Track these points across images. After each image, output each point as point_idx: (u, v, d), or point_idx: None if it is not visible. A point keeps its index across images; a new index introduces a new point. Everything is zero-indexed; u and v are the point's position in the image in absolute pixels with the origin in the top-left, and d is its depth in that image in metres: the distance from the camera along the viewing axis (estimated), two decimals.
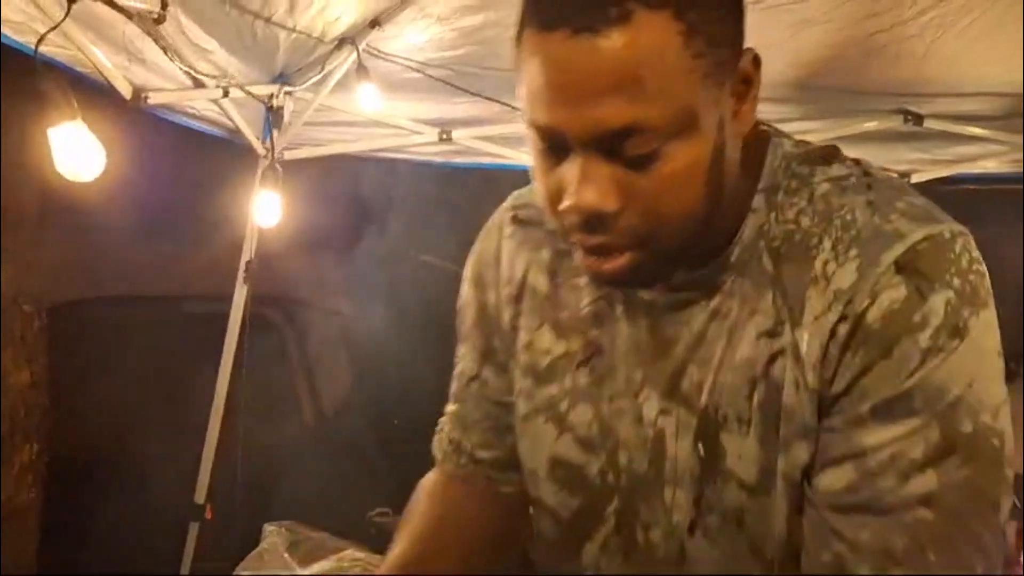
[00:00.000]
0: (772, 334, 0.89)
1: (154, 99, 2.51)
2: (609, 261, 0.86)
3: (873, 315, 0.83)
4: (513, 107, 3.04)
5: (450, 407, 1.18)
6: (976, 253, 0.85)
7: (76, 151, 1.99)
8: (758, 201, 0.89)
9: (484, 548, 1.16)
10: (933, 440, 0.82)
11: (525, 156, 3.29)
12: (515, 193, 1.10)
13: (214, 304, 3.48)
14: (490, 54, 2.52)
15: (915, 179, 3.33)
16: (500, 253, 1.08)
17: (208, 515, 3.19)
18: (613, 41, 0.76)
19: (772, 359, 0.89)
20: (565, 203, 0.83)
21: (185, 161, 3.56)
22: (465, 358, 1.14)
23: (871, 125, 3.03)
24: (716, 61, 0.80)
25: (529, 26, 0.79)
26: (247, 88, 2.63)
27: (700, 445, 0.94)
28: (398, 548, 1.11)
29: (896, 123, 3.01)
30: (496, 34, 2.38)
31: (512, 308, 1.06)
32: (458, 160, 3.66)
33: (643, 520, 1.02)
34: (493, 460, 1.14)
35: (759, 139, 0.90)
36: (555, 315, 1.03)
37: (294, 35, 2.43)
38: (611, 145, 0.79)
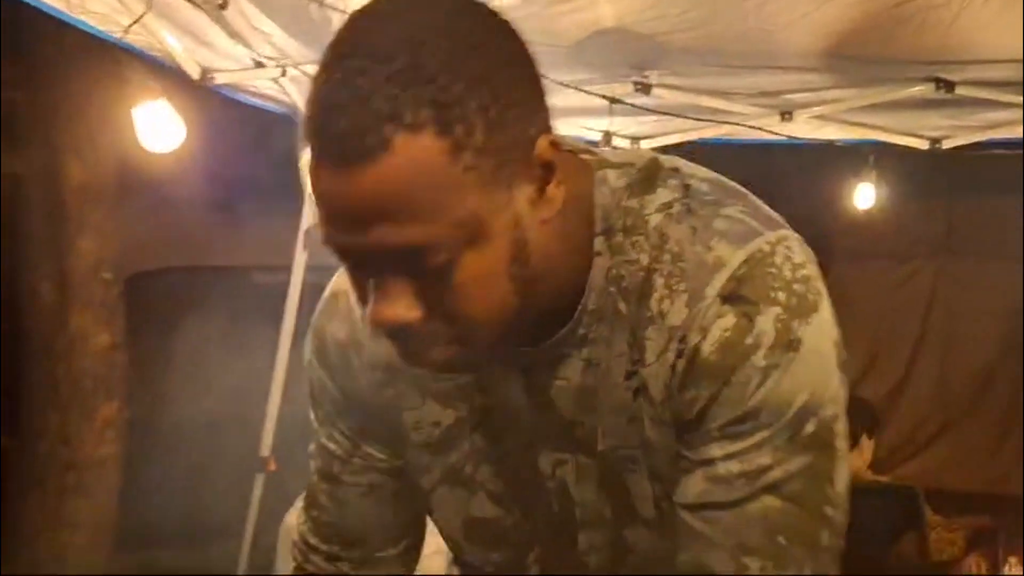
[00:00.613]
0: (630, 375, 0.91)
1: (220, 79, 2.71)
2: (427, 358, 0.86)
3: (707, 348, 0.85)
4: (557, 81, 3.17)
5: (305, 509, 1.15)
6: (798, 255, 0.87)
7: (159, 127, 2.21)
8: (599, 244, 0.89)
9: None
10: (779, 444, 0.86)
11: (570, 129, 3.41)
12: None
13: (282, 274, 3.69)
14: (528, 30, 2.66)
15: (947, 145, 3.39)
16: (357, 337, 1.03)
17: (271, 467, 3.38)
18: (374, 171, 0.75)
19: (635, 398, 0.91)
20: (367, 318, 0.83)
21: (251, 137, 3.77)
22: (333, 441, 1.09)
23: (902, 93, 3.10)
24: (495, 165, 0.78)
25: (307, 140, 0.79)
26: (303, 67, 2.81)
27: (605, 489, 0.97)
28: None
29: (927, 90, 3.06)
30: (533, 12, 2.52)
31: (389, 389, 1.03)
32: None
33: (566, 563, 1.04)
34: (353, 569, 1.13)
35: (583, 175, 0.89)
36: (435, 387, 1.01)
37: (346, 16, 2.61)
38: (399, 263, 0.79)
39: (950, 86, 3.04)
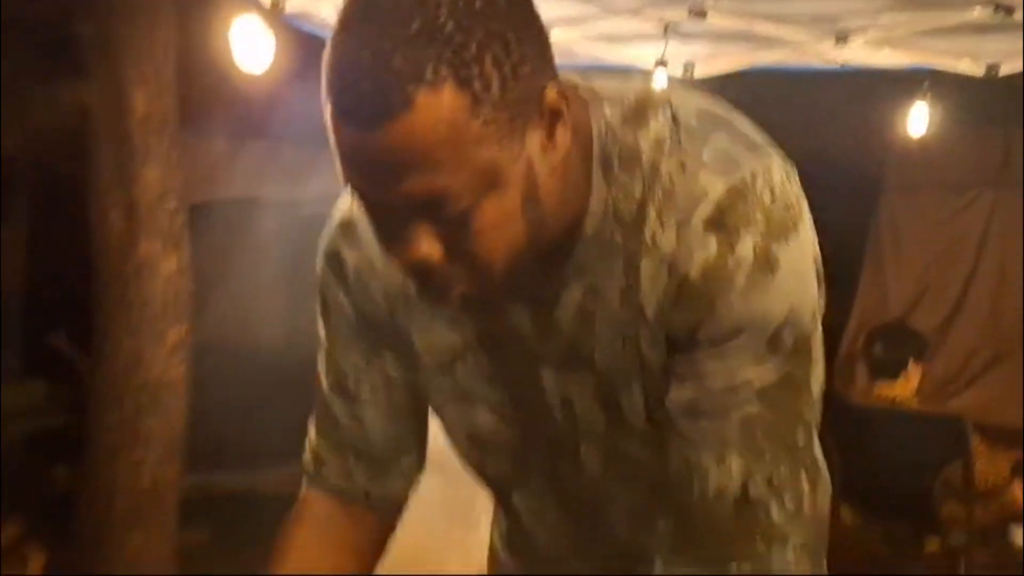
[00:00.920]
0: (626, 300, 0.99)
1: (290, 8, 2.77)
2: (445, 295, 0.93)
3: (694, 273, 0.94)
4: (610, 8, 3.18)
5: (317, 424, 1.19)
6: (777, 181, 0.94)
7: (252, 42, 2.27)
8: (597, 177, 0.95)
9: (343, 560, 1.18)
10: (760, 356, 0.95)
11: (623, 56, 3.43)
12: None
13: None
14: None
15: (1004, 71, 3.35)
16: (374, 264, 1.09)
17: None
18: (398, 128, 0.80)
19: (632, 321, 0.99)
20: (391, 255, 0.90)
21: (314, 70, 3.84)
22: (347, 358, 1.14)
23: (959, 17, 3.06)
24: (510, 117, 0.83)
25: (328, 101, 0.84)
26: None
27: (600, 403, 1.05)
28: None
29: (985, 14, 3.02)
30: None
31: (402, 314, 1.09)
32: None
33: (564, 473, 1.13)
34: (368, 480, 1.19)
35: (582, 111, 0.94)
36: (445, 313, 1.07)
37: None
38: (422, 210, 0.85)
39: (1008, 10, 3.00)
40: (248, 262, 4.53)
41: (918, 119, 3.85)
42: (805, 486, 1.01)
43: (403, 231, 0.87)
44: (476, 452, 1.21)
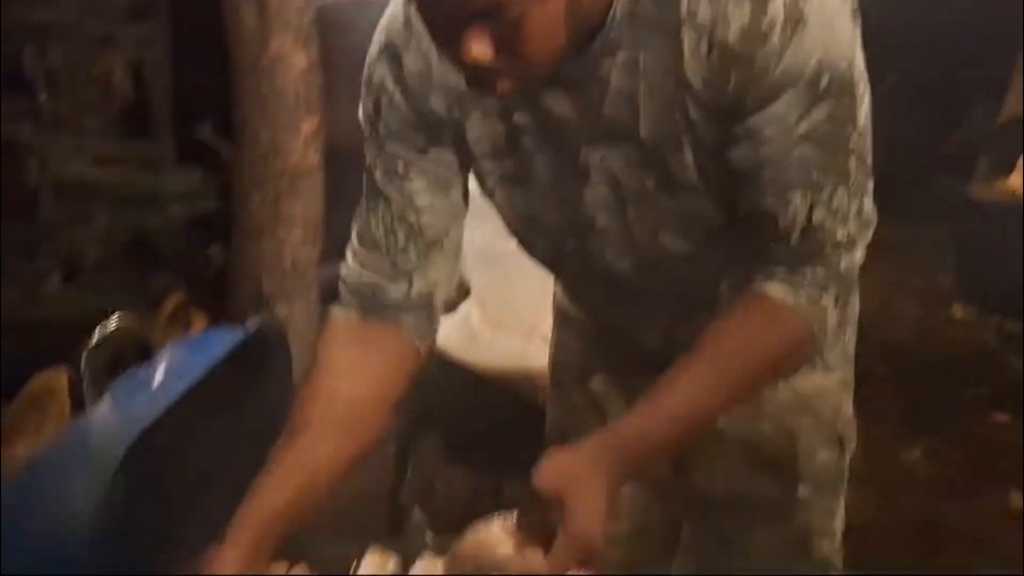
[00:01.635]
0: (668, 71, 1.11)
1: None
2: (494, 88, 1.07)
3: (732, 40, 1.06)
4: None
5: (361, 228, 1.30)
6: None
7: None
8: None
9: (375, 396, 1.28)
10: (806, 106, 1.09)
11: None
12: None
13: None
14: None
15: None
16: (431, 62, 1.21)
17: None
18: None
19: (676, 89, 1.11)
20: (445, 54, 1.05)
21: None
22: (401, 148, 1.26)
23: None
24: None
25: None
26: None
27: (649, 168, 1.18)
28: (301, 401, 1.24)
29: None
30: None
31: (456, 108, 1.22)
32: None
33: (607, 256, 1.27)
34: (403, 300, 1.28)
35: None
36: (494, 104, 1.20)
37: None
38: (482, 15, 0.98)
39: None
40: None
41: None
42: (864, 205, 1.18)
43: (459, 34, 1.00)
44: (524, 233, 1.36)
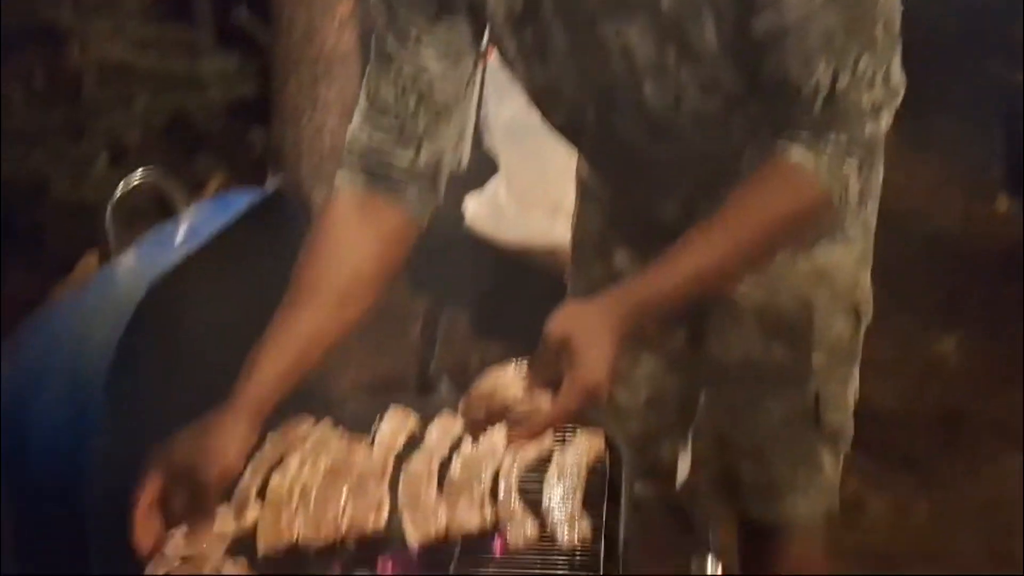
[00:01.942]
0: None
1: None
2: None
3: None
4: None
5: (367, 105, 1.30)
6: None
7: None
8: None
9: (373, 268, 1.30)
10: None
11: None
12: None
13: None
14: None
15: None
16: None
17: None
18: None
19: None
20: None
21: None
22: (411, 21, 1.26)
23: None
24: None
25: None
26: None
27: (667, 40, 1.19)
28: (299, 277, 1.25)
29: None
30: None
31: None
32: None
33: (621, 127, 1.28)
34: (408, 168, 1.30)
35: None
36: None
37: None
38: None
39: None
40: None
41: None
42: (891, 71, 1.19)
43: None
44: (545, 104, 1.38)
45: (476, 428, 1.22)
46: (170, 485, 1.13)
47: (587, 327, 1.14)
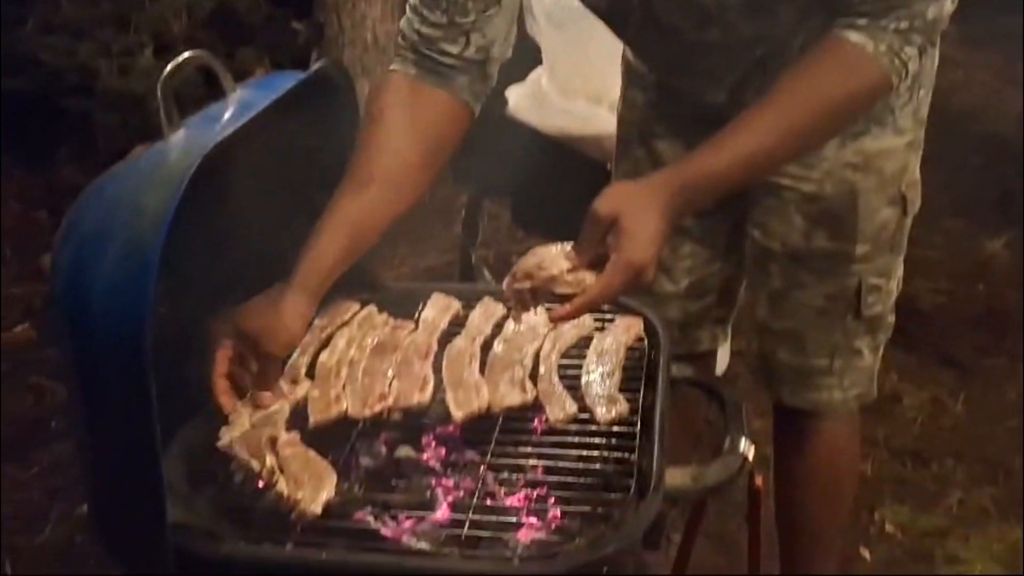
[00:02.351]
0: None
1: None
2: None
3: None
4: None
5: (417, 3, 1.29)
6: None
7: None
8: None
9: (426, 154, 1.32)
10: None
11: None
12: None
13: None
14: None
15: None
16: None
17: None
18: None
19: None
20: None
21: None
22: None
23: None
24: None
25: None
26: None
27: None
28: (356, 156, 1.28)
29: None
30: None
31: None
32: None
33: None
34: (458, 57, 1.29)
35: None
36: None
37: None
38: None
39: None
40: None
41: None
42: None
43: None
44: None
45: (521, 303, 1.24)
46: (239, 355, 1.20)
47: (636, 207, 1.15)
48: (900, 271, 1.66)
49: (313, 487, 1.14)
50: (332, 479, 1.17)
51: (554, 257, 1.20)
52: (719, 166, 1.21)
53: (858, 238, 1.56)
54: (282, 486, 1.13)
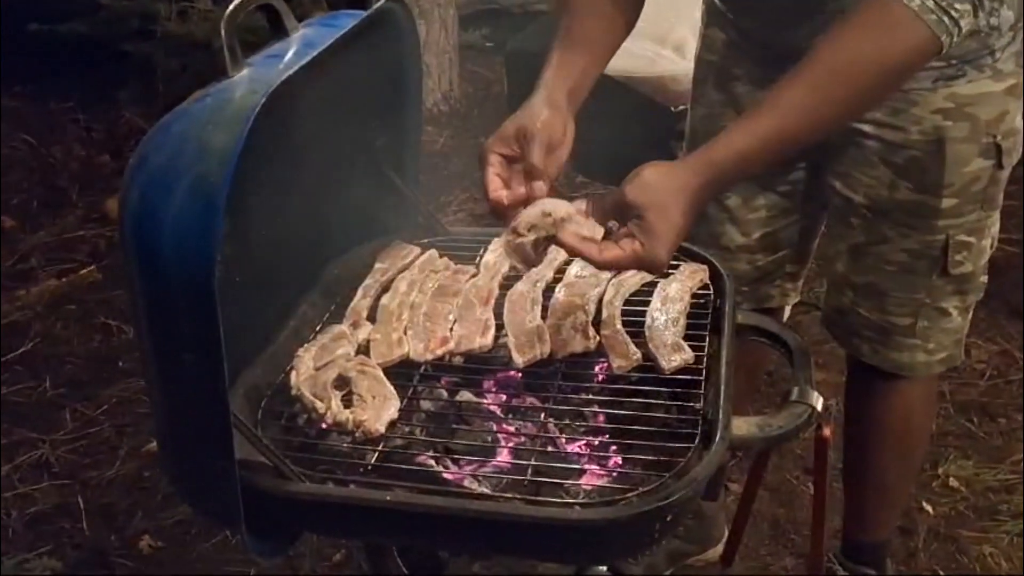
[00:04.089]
0: None
1: None
2: None
3: None
4: None
5: None
6: None
7: None
8: None
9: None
10: None
11: None
12: None
13: None
14: None
15: None
16: None
17: None
18: None
19: None
20: None
21: None
22: None
23: None
24: None
25: None
26: None
27: None
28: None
29: None
30: None
31: None
32: None
33: None
34: None
35: None
36: None
37: None
38: None
39: None
40: None
41: None
42: None
43: None
44: None
45: (523, 259, 1.19)
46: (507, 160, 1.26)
47: (664, 204, 1.12)
48: (996, 228, 1.57)
49: (377, 408, 1.17)
50: (396, 403, 1.19)
51: (559, 204, 1.16)
52: (753, 146, 1.15)
53: (944, 191, 1.48)
54: (345, 417, 1.15)
